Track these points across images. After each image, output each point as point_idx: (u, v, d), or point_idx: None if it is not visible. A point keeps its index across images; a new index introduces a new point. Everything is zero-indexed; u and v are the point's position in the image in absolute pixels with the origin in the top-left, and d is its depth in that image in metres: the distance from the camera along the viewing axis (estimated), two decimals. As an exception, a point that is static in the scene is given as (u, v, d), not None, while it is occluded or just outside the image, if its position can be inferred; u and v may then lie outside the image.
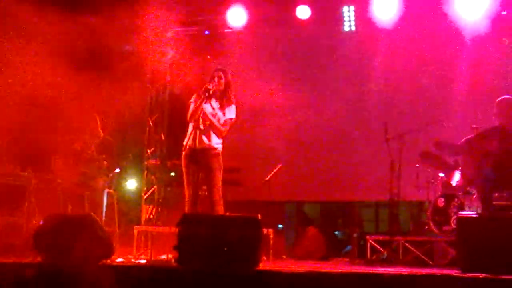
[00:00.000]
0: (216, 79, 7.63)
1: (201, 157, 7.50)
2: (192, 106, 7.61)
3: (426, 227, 8.90)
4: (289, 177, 10.41)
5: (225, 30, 11.36)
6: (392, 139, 9.02)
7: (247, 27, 11.18)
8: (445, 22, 10.13)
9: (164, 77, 11.96)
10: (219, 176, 7.57)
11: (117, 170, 9.00)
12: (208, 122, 7.53)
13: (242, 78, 10.91)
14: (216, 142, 7.60)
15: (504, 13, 10.12)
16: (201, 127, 7.52)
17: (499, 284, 5.50)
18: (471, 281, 5.61)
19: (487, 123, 8.18)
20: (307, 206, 11.82)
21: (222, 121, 7.60)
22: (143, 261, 7.43)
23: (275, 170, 9.77)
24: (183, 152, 7.63)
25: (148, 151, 11.63)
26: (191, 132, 7.57)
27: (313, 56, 11.21)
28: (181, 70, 10.99)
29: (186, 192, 7.57)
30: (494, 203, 7.80)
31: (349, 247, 9.87)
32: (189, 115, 7.57)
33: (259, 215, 6.51)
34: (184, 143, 7.64)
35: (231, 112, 7.68)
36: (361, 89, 10.86)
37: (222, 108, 7.62)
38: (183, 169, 7.65)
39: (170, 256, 7.10)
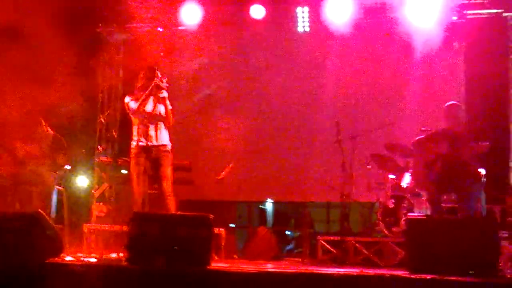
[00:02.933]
0: (160, 77, 7.72)
1: (152, 154, 7.50)
2: (133, 104, 7.65)
3: (376, 228, 9.00)
4: (241, 177, 10.40)
5: (179, 28, 11.30)
6: (344, 140, 9.07)
7: (201, 25, 11.12)
8: (398, 27, 10.26)
9: (116, 74, 11.85)
10: (170, 172, 7.63)
11: (67, 167, 8.87)
12: (157, 116, 7.61)
13: (194, 75, 10.96)
14: (166, 139, 7.67)
15: (454, 18, 10.29)
16: (149, 123, 7.59)
17: (445, 285, 5.60)
18: (418, 282, 5.69)
19: (436, 126, 8.30)
20: (259, 206, 11.82)
21: (164, 112, 7.71)
22: (93, 260, 7.32)
23: (227, 169, 9.74)
24: (133, 151, 7.60)
25: (99, 148, 11.51)
26: (139, 129, 7.56)
27: (267, 56, 11.23)
28: (134, 67, 10.90)
29: (135, 191, 7.56)
30: (442, 205, 7.93)
31: (291, 246, 9.92)
32: (135, 111, 7.56)
33: (211, 215, 6.50)
34: (133, 141, 7.68)
35: (167, 102, 7.78)
36: (314, 90, 10.91)
37: (162, 100, 7.70)
38: (133, 168, 7.65)
39: (121, 254, 7.01)
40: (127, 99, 7.77)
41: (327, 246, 8.89)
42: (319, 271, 6.39)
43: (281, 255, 9.62)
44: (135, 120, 7.80)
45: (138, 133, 7.67)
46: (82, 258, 7.40)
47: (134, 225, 6.55)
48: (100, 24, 11.54)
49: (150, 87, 7.70)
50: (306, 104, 10.95)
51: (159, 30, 11.37)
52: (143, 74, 7.93)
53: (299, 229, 10.89)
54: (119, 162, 10.27)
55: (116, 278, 6.19)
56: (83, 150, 10.91)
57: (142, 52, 10.59)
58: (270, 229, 10.14)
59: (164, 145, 7.65)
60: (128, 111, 7.88)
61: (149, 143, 7.59)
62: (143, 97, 7.67)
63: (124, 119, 11.53)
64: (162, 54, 11.02)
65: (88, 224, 9.66)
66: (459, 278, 5.66)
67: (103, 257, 7.73)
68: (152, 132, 7.63)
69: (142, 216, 6.81)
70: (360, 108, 10.59)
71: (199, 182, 10.17)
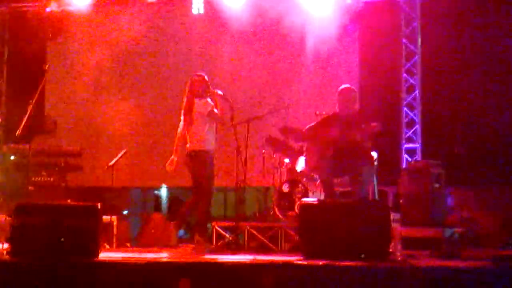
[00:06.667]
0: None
1: None
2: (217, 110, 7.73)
3: (272, 212, 8.97)
4: (134, 162, 10.17)
5: (68, 8, 10.85)
6: (239, 124, 8.96)
7: (92, 6, 10.72)
8: (293, 10, 10.20)
9: (1, 55, 11.31)
10: None
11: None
12: None
13: (86, 57, 10.61)
14: None
15: (349, 2, 10.32)
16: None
17: (336, 270, 5.60)
18: (310, 268, 5.67)
19: (331, 110, 8.31)
20: (154, 191, 11.56)
21: None
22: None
23: (119, 155, 9.46)
24: (210, 154, 7.82)
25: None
26: (212, 133, 7.82)
27: (161, 38, 11.02)
28: (21, 48, 10.48)
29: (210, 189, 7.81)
30: (336, 189, 7.95)
31: (182, 232, 9.78)
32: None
33: (99, 203, 6.29)
34: (211, 147, 7.80)
35: None
36: (208, 73, 10.66)
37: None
38: (210, 167, 7.87)
39: (5, 246, 6.68)
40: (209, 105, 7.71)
41: (222, 232, 8.80)
42: (212, 260, 6.29)
43: (176, 242, 9.44)
44: (209, 124, 7.77)
45: (211, 136, 7.80)
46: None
47: (17, 217, 6.30)
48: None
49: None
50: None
51: (47, 10, 10.87)
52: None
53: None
54: (5, 149, 9.77)
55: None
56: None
57: (28, 33, 10.19)
58: (165, 215, 9.94)
59: None
60: (210, 115, 7.74)
61: None
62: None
63: (10, 102, 11.08)
64: (50, 35, 10.62)
65: (-30, 214, 9.15)
66: (350, 263, 5.67)
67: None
68: None
69: (27, 207, 6.50)
70: (255, 91, 10.53)
71: (91, 168, 9.86)
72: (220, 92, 7.84)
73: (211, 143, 7.78)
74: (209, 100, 7.74)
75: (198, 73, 7.94)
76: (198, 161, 7.71)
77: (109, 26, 10.87)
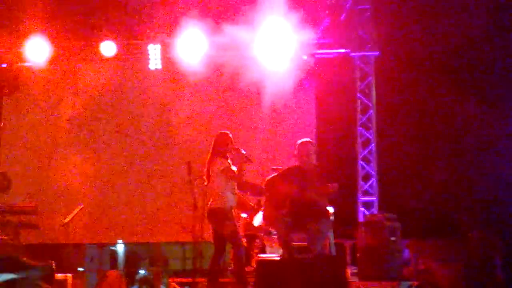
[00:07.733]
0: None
1: None
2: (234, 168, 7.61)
3: (229, 268, 8.90)
4: (91, 218, 10.06)
5: (25, 64, 10.80)
6: (196, 179, 8.94)
7: (50, 61, 10.69)
8: (250, 65, 10.31)
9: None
10: None
11: None
12: None
13: (43, 113, 10.55)
14: None
15: (305, 57, 10.48)
16: None
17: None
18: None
19: (288, 164, 8.35)
20: (110, 248, 11.45)
21: None
22: None
23: (75, 211, 9.35)
24: (230, 213, 7.60)
25: None
26: (234, 194, 7.70)
27: (119, 93, 11.02)
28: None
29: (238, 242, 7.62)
30: (293, 244, 7.93)
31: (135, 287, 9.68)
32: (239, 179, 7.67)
33: (53, 261, 6.20)
34: (231, 203, 7.64)
35: None
36: (166, 128, 10.77)
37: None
38: (235, 226, 7.64)
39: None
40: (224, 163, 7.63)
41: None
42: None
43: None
44: (226, 181, 7.64)
45: (229, 193, 7.65)
46: None
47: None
48: None
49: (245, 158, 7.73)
50: (158, 143, 10.81)
51: (3, 66, 10.82)
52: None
53: (152, 268, 10.64)
54: None
55: None
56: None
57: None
58: (121, 271, 9.80)
59: None
60: (224, 172, 7.62)
61: None
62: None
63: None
64: (6, 91, 10.57)
65: None
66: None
67: None
68: None
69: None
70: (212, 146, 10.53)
71: (46, 225, 9.72)
72: (243, 151, 7.82)
73: (230, 200, 7.70)
74: (229, 159, 7.74)
75: (222, 131, 7.95)
76: (218, 219, 7.67)
77: (66, 82, 10.86)
